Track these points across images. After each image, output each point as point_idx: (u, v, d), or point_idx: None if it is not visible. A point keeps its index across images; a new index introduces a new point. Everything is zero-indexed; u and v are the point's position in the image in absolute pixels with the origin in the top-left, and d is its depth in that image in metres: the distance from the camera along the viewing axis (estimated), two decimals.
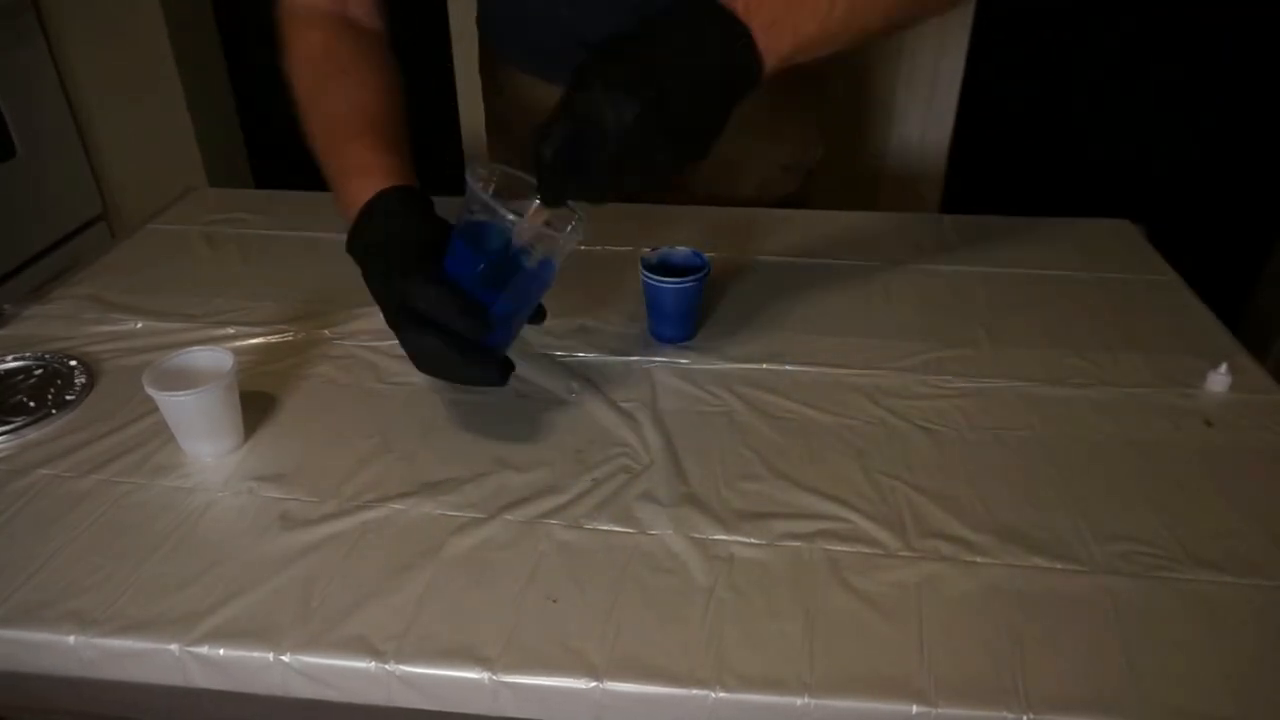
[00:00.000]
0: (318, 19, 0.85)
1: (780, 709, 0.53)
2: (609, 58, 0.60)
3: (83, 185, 2.11)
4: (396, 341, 0.84)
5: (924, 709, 0.52)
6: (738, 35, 0.60)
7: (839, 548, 0.63)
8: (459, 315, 0.63)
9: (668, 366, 0.82)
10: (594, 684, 0.54)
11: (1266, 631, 0.57)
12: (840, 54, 0.69)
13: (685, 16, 0.61)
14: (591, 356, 0.83)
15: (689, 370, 0.82)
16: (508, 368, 0.68)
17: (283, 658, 0.55)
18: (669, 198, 1.09)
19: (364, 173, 0.73)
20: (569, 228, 0.65)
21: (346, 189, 0.74)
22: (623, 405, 0.77)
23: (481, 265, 0.65)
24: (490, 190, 0.64)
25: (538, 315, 0.73)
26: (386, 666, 0.55)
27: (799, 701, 0.53)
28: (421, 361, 0.67)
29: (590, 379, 0.80)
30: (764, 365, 0.82)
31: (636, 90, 0.58)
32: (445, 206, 1.16)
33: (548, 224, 0.64)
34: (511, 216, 0.63)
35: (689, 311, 0.84)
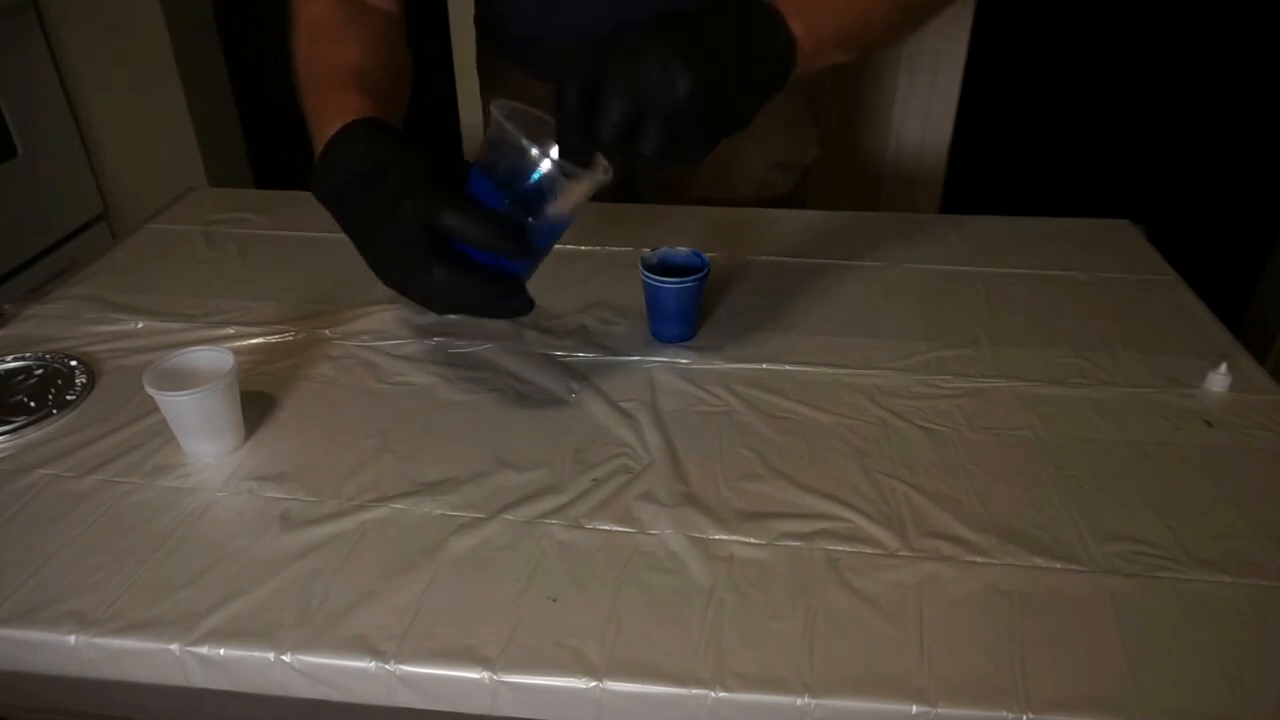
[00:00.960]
0: None
1: (780, 709, 0.53)
2: (664, 24, 0.59)
3: (83, 185, 2.11)
4: (396, 341, 0.85)
5: (924, 709, 0.52)
6: (777, 20, 0.63)
7: (839, 548, 0.63)
8: (500, 239, 0.59)
9: (668, 366, 0.82)
10: (594, 684, 0.54)
11: (1266, 631, 0.57)
12: (846, 60, 0.71)
13: (726, 2, 0.62)
14: (591, 356, 0.83)
15: (689, 370, 0.82)
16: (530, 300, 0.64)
17: (283, 657, 0.55)
18: (668, 198, 1.09)
19: (341, 111, 0.67)
20: (599, 169, 0.63)
21: (321, 130, 0.68)
22: (623, 405, 0.77)
23: (505, 201, 0.61)
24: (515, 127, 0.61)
25: (527, 305, 0.65)
26: (387, 666, 0.55)
27: (799, 701, 0.53)
28: (447, 295, 0.60)
29: (590, 379, 0.80)
30: (764, 365, 0.82)
31: (690, 54, 0.57)
32: None
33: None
34: (536, 151, 0.60)
35: (689, 311, 0.84)
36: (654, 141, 0.58)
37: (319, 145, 0.68)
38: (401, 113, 0.76)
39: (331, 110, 0.68)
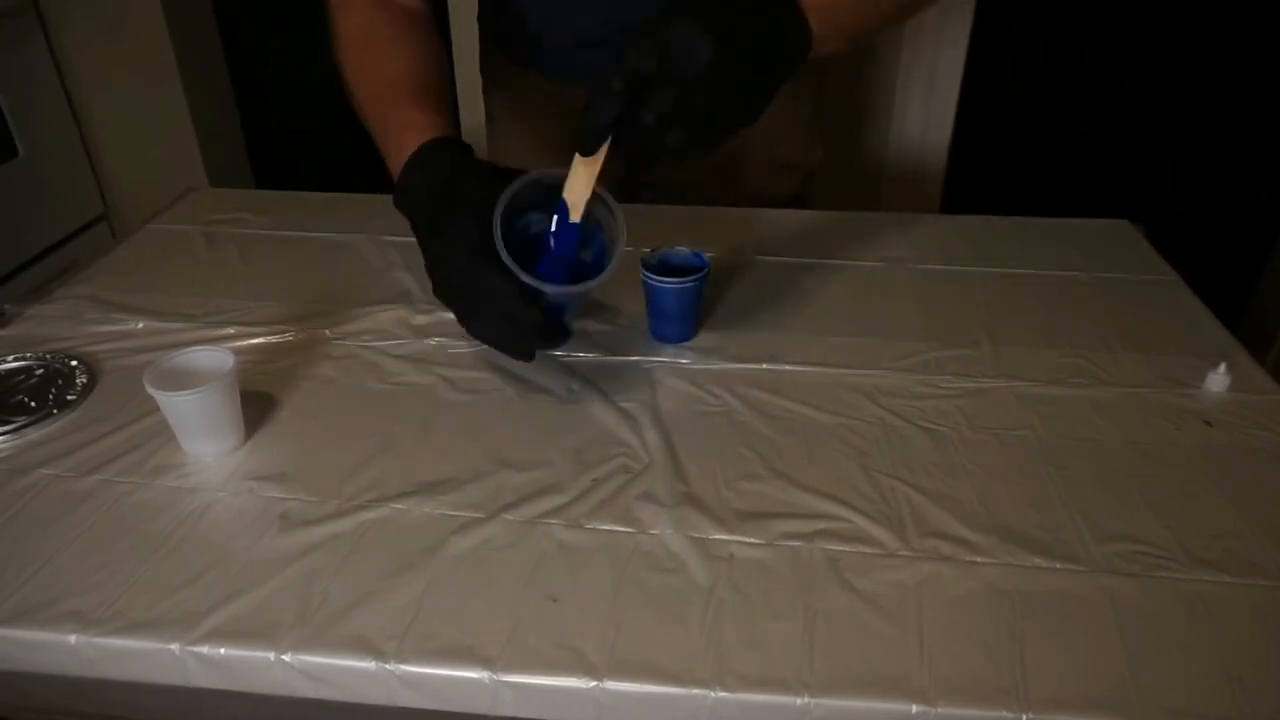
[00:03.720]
0: (360, 2, 0.88)
1: (780, 709, 0.53)
2: (692, 4, 0.60)
3: (83, 185, 2.11)
4: (396, 341, 0.85)
5: (924, 709, 0.52)
6: (794, 9, 0.66)
7: (839, 548, 0.63)
8: (520, 308, 0.66)
9: (668, 366, 0.82)
10: (594, 684, 0.54)
11: (1266, 631, 0.57)
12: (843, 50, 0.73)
13: None
14: (591, 356, 0.83)
15: (689, 370, 0.82)
16: (563, 335, 0.71)
17: (283, 657, 0.55)
18: (669, 199, 1.09)
19: (408, 128, 0.74)
20: (611, 219, 0.69)
21: (395, 147, 0.75)
22: (623, 405, 0.77)
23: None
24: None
25: (564, 334, 0.73)
26: (387, 666, 0.55)
27: (799, 701, 0.53)
28: (493, 298, 0.67)
29: (590, 379, 0.80)
30: (764, 365, 0.82)
31: (714, 29, 0.58)
32: None
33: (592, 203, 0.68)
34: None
35: (689, 311, 0.84)
36: (665, 105, 0.59)
37: (394, 162, 0.75)
38: (449, 104, 0.82)
39: (401, 128, 0.75)
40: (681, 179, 1.09)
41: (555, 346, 0.70)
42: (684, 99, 0.59)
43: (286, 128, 2.24)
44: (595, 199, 0.68)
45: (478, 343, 0.80)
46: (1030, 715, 0.51)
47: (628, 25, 0.88)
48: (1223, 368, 0.78)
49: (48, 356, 0.83)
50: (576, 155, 0.65)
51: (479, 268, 0.66)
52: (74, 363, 0.82)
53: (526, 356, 0.73)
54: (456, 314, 0.71)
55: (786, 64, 0.65)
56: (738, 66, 0.60)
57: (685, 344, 0.85)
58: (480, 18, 1.08)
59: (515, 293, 0.66)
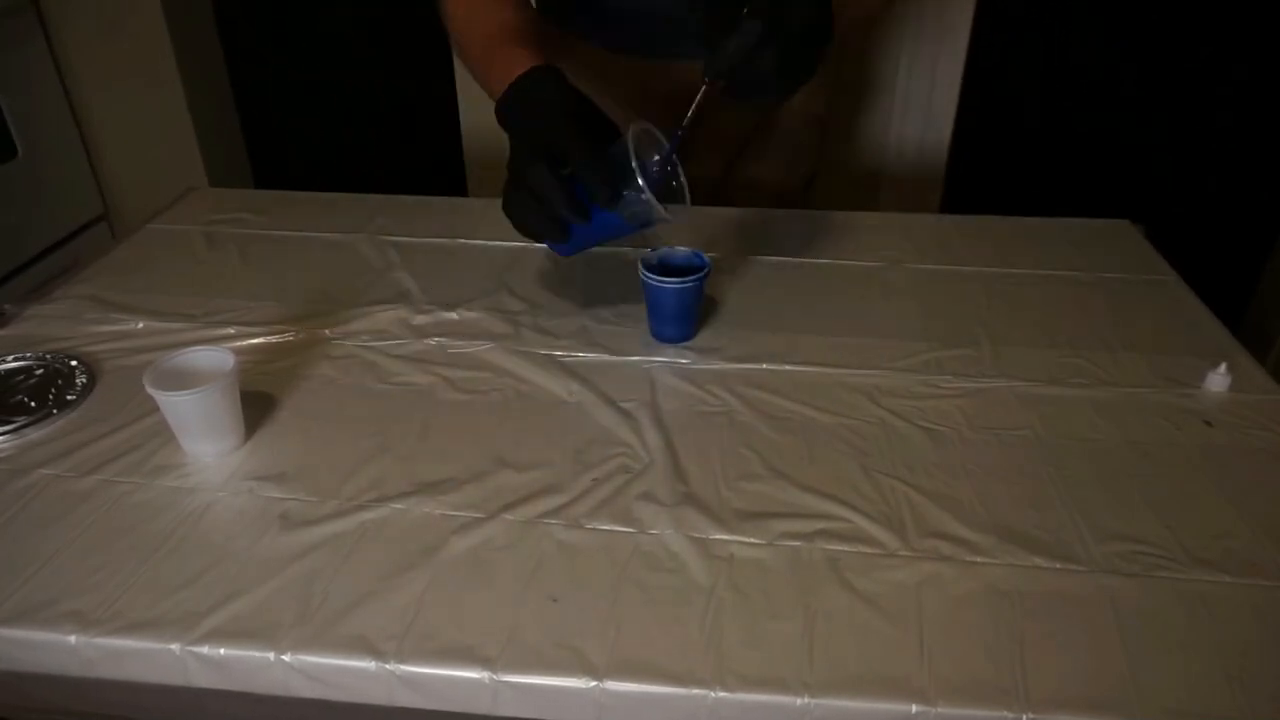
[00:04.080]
0: None
1: (780, 709, 0.53)
2: None
3: (83, 185, 2.11)
4: (396, 341, 0.85)
5: (924, 709, 0.52)
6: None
7: (839, 548, 0.63)
8: (594, 181, 0.72)
9: (668, 366, 0.82)
10: (594, 684, 0.54)
11: (1266, 631, 0.57)
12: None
13: None
14: (591, 356, 0.83)
15: (689, 370, 0.82)
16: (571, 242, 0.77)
17: (283, 657, 0.55)
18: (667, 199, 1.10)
19: (516, 62, 0.81)
20: (675, 210, 0.75)
21: (503, 72, 0.81)
22: (623, 405, 0.77)
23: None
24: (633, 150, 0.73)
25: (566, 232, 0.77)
26: (387, 666, 0.55)
27: (799, 701, 0.53)
28: (514, 209, 0.75)
29: (590, 379, 0.80)
30: (764, 365, 0.82)
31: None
32: (445, 206, 1.16)
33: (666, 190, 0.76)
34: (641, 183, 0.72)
35: (689, 311, 0.84)
36: (773, 54, 0.70)
37: (498, 86, 0.82)
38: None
39: (510, 60, 0.82)
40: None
41: (583, 218, 0.75)
42: (786, 48, 0.70)
43: (286, 128, 2.24)
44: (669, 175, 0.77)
45: (478, 343, 0.80)
46: (1030, 715, 0.51)
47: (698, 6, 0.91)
48: (1223, 368, 0.78)
49: (48, 356, 0.83)
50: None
51: (535, 160, 0.73)
52: (74, 363, 0.82)
53: (560, 231, 0.76)
54: (515, 183, 0.76)
55: (828, 33, 0.75)
56: (825, 29, 0.73)
57: (685, 344, 0.85)
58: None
59: (556, 182, 0.72)
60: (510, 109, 0.80)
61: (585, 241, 0.80)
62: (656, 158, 0.77)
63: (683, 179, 0.78)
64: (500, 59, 0.84)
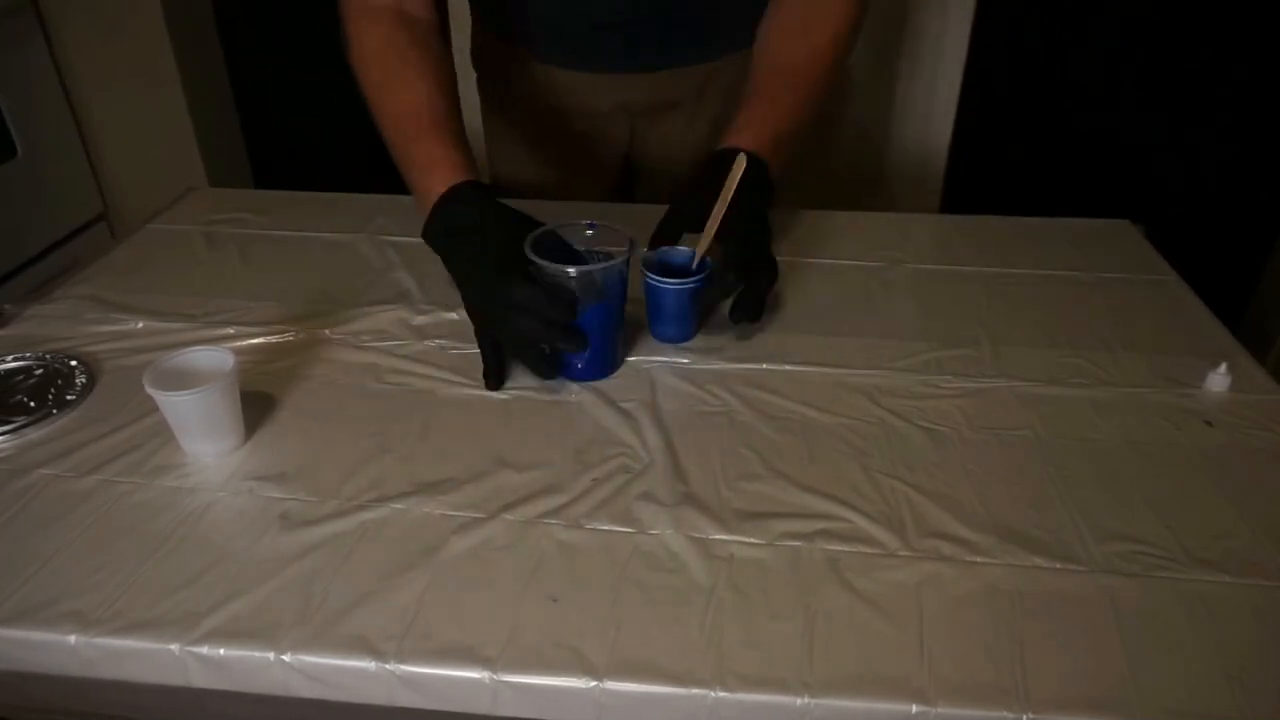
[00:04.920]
0: (376, 14, 0.90)
1: (780, 709, 0.53)
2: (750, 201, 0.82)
3: (83, 185, 2.11)
4: (396, 341, 0.85)
5: (924, 709, 0.52)
6: (762, 170, 0.83)
7: (839, 548, 0.63)
8: (549, 306, 0.74)
9: (668, 366, 0.82)
10: (594, 684, 0.54)
11: (1266, 631, 0.57)
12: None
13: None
14: None
15: (689, 370, 0.82)
16: (584, 340, 0.76)
17: (283, 657, 0.55)
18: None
19: (434, 166, 0.82)
20: (608, 261, 0.78)
21: (420, 182, 0.83)
22: (623, 405, 0.77)
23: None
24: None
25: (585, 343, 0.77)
26: (387, 666, 0.55)
27: (799, 701, 0.53)
28: (525, 305, 0.74)
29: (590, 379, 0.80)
30: (764, 365, 0.82)
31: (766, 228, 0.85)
32: None
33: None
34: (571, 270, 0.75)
35: (689, 311, 0.84)
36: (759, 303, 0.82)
37: (420, 197, 0.82)
38: (463, 129, 0.88)
39: (421, 166, 0.83)
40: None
41: (580, 348, 0.76)
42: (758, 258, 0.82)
43: (286, 128, 2.24)
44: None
45: (479, 347, 0.80)
46: (1030, 715, 0.51)
47: (638, 11, 0.94)
48: (1223, 368, 0.78)
49: (47, 356, 0.83)
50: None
51: (509, 278, 0.74)
52: (74, 363, 0.82)
53: (552, 370, 0.78)
54: (489, 326, 0.78)
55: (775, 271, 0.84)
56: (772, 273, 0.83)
57: (685, 344, 0.85)
58: (478, 3, 1.08)
59: (542, 295, 0.73)
60: (437, 241, 0.81)
61: (603, 342, 0.79)
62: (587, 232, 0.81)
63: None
64: (419, 156, 0.83)
